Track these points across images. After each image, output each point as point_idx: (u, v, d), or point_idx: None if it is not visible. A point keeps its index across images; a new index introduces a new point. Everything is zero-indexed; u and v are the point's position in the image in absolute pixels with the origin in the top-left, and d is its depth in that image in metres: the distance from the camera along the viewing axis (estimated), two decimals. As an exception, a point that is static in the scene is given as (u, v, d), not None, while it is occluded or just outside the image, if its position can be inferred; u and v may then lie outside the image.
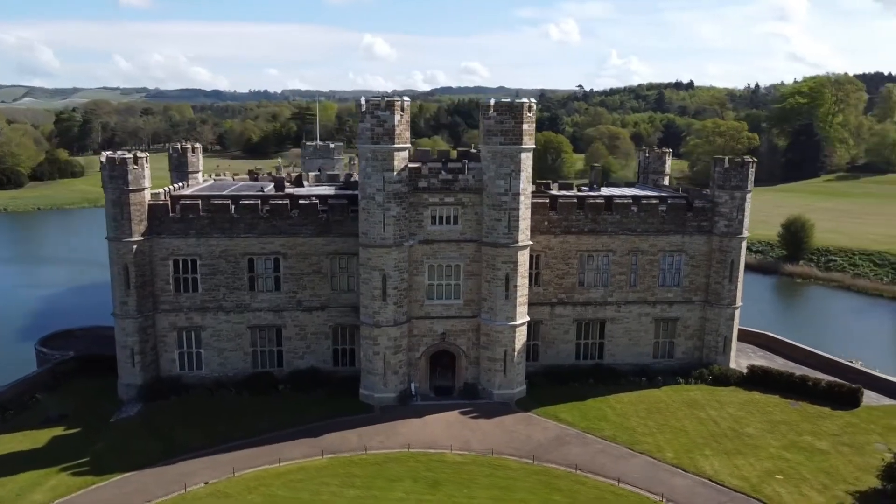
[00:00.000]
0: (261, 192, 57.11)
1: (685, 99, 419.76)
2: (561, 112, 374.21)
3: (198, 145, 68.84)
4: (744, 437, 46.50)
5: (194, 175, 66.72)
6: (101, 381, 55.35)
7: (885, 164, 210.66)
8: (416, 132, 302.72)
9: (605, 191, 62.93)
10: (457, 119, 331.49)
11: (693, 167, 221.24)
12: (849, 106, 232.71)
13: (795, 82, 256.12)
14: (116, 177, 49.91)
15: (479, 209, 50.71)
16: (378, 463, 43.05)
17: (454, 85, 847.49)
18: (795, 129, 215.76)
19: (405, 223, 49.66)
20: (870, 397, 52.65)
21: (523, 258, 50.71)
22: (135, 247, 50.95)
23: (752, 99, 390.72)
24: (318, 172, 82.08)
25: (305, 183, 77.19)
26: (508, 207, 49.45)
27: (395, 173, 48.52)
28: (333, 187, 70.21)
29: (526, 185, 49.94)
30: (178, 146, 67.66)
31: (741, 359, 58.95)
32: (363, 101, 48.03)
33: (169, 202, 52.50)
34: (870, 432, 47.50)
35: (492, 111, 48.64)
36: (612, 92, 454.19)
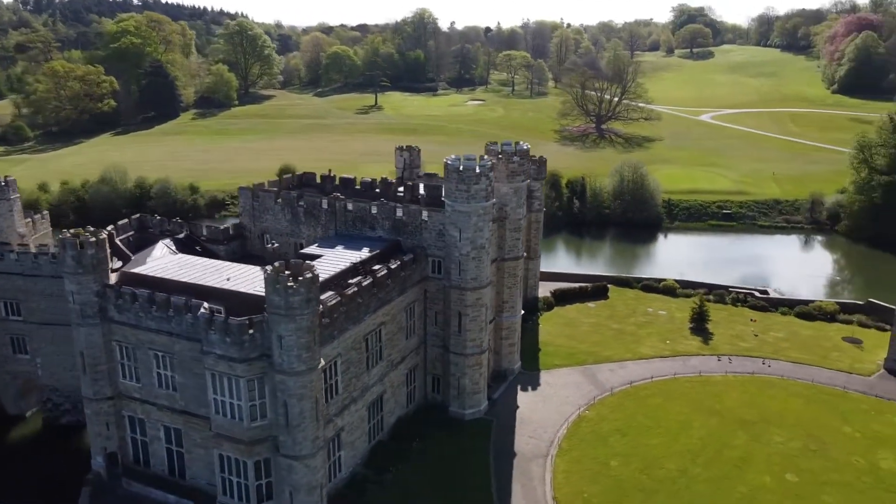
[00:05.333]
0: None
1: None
2: None
3: None
4: (622, 331, 77.24)
5: None
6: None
7: (227, 99, 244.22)
8: None
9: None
10: None
11: (37, 114, 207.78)
12: (175, 45, 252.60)
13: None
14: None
15: (497, 234, 62.65)
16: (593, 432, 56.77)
17: None
18: (147, 70, 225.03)
19: (481, 260, 58.35)
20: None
21: (521, 263, 66.27)
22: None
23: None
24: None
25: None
26: (522, 228, 63.76)
27: (493, 222, 56.58)
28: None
29: (522, 207, 64.87)
30: None
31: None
32: (476, 168, 53.39)
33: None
34: (636, 305, 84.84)
35: (516, 157, 61.05)
36: None
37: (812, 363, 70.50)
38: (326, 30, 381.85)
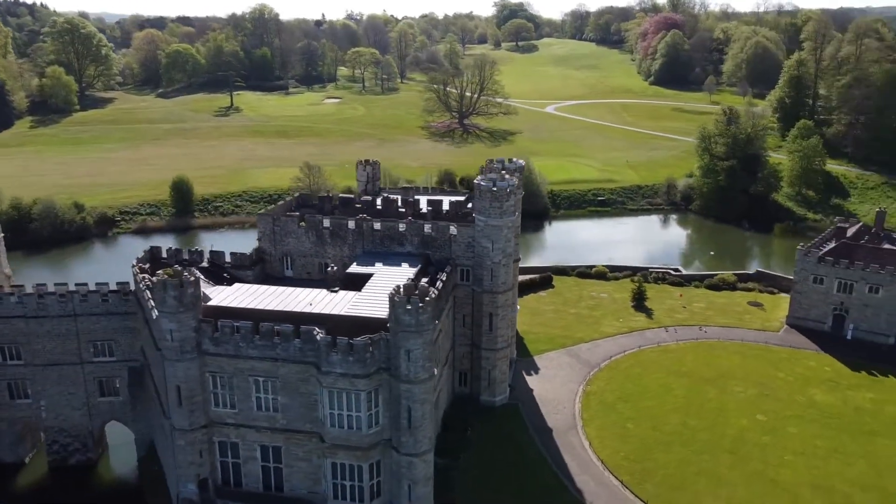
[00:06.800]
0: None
1: None
2: None
3: None
4: (580, 315, 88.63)
5: None
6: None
7: (66, 104, 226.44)
8: None
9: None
10: None
11: None
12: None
13: None
14: (436, 314, 47.14)
15: (501, 240, 70.93)
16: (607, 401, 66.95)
17: None
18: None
19: (501, 265, 66.36)
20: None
21: (515, 263, 74.97)
22: (434, 376, 49.70)
23: None
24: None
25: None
26: (520, 233, 72.44)
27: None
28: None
29: (516, 215, 73.45)
30: None
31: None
32: (507, 188, 60.98)
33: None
34: (580, 291, 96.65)
35: (517, 172, 69.42)
36: None
37: (735, 325, 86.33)
38: (148, 23, 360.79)
